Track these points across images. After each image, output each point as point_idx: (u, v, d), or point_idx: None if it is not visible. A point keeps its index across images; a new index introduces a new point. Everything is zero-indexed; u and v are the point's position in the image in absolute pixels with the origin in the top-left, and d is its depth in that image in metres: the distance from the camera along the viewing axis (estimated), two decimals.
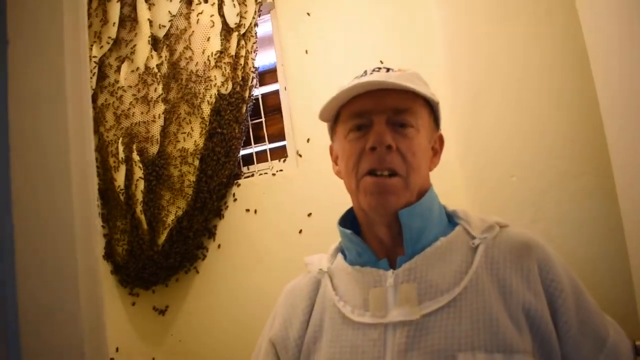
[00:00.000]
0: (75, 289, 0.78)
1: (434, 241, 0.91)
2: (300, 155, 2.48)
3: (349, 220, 1.02)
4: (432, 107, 0.99)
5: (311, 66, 2.46)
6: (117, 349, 2.40)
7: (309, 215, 2.37)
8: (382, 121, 0.91)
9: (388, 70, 0.97)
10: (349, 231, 0.96)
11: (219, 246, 2.54)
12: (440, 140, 1.04)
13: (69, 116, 0.84)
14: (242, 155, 2.62)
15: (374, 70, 0.97)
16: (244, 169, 2.63)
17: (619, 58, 1.20)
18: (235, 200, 2.53)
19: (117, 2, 2.51)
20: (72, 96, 0.84)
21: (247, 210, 2.49)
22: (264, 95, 2.69)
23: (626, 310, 1.34)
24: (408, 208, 0.90)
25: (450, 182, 2.02)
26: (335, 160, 1.03)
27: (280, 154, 2.59)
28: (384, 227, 0.93)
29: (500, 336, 0.79)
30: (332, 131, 1.03)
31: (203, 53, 2.38)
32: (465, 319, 0.82)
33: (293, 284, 1.05)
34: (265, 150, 2.64)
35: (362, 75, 0.97)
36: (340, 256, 1.01)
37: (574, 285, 0.88)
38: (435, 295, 0.85)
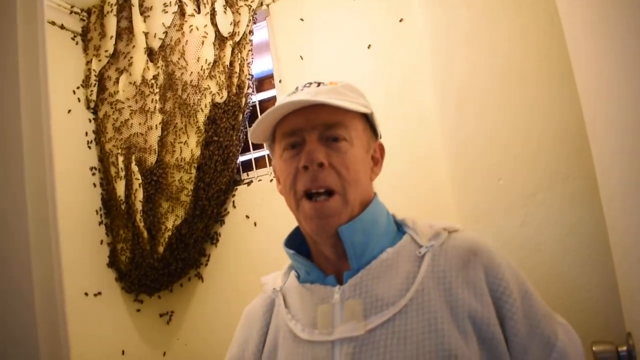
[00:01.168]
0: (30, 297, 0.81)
1: (380, 253, 0.92)
2: None
3: (298, 237, 1.03)
4: (367, 117, 1.00)
5: (306, 72, 2.47)
6: (122, 352, 2.45)
7: None
8: (314, 138, 0.92)
9: (319, 84, 0.97)
10: (292, 252, 0.98)
11: (220, 251, 2.57)
12: (381, 148, 1.05)
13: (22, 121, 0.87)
14: (241, 162, 2.65)
15: (305, 86, 0.98)
16: (244, 175, 2.65)
17: (598, 62, 1.20)
18: (234, 206, 2.56)
19: (114, 15, 2.55)
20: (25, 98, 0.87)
21: (247, 216, 2.52)
22: (263, 101, 2.71)
23: (611, 313, 1.34)
24: (348, 224, 0.91)
25: (439, 187, 2.03)
26: (278, 179, 1.04)
27: None
28: (329, 246, 0.94)
29: (446, 346, 0.80)
30: (271, 150, 1.04)
31: (197, 62, 2.41)
32: (410, 331, 0.82)
33: (250, 306, 1.08)
34: (264, 156, 2.66)
35: (293, 92, 0.99)
36: (293, 274, 1.03)
37: (522, 289, 0.88)
38: (381, 308, 0.85)
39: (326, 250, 0.95)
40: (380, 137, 1.05)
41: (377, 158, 1.03)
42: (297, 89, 0.99)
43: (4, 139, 0.93)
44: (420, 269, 0.88)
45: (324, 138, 0.92)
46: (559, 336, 0.87)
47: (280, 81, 2.55)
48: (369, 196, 0.97)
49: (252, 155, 2.67)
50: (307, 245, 1.02)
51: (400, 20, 2.26)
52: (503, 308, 0.84)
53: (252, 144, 2.66)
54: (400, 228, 0.99)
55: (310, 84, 0.98)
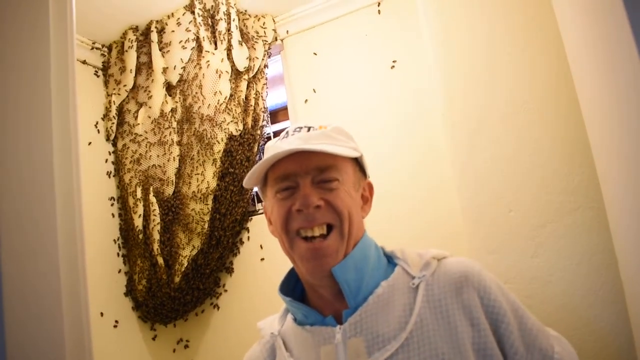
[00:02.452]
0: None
1: (376, 287, 0.93)
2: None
3: (292, 278, 1.05)
4: (357, 159, 1.03)
5: (319, 104, 2.53)
6: None
7: None
8: (307, 182, 0.94)
9: (309, 129, 0.99)
10: (288, 298, 0.98)
11: (236, 281, 2.60)
12: (370, 187, 1.07)
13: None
14: (255, 192, 2.69)
15: (295, 131, 1.00)
16: (258, 205, 2.70)
17: (602, 96, 1.23)
18: (249, 237, 2.60)
19: (134, 51, 2.64)
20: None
21: (261, 246, 2.56)
22: (277, 132, 2.76)
23: (624, 344, 1.34)
24: (340, 264, 0.91)
25: (451, 218, 2.05)
26: (269, 220, 1.05)
27: None
28: (324, 286, 0.95)
29: None
30: (262, 193, 1.05)
31: (214, 96, 2.48)
32: None
33: (249, 353, 1.07)
34: None
35: (284, 137, 1.00)
36: (290, 317, 1.03)
37: (514, 308, 0.91)
38: (383, 344, 0.87)
39: (322, 290, 0.96)
40: (368, 177, 1.08)
41: (366, 197, 1.05)
42: (287, 133, 1.01)
43: (36, 171, 0.97)
44: (416, 300, 0.90)
45: (317, 181, 0.94)
46: (555, 348, 0.91)
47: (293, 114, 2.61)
48: (360, 234, 0.98)
49: None
50: (302, 286, 1.04)
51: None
52: (500, 328, 0.87)
53: None
54: (390, 260, 1.01)
55: (301, 128, 1.00)
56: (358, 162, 1.03)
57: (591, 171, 1.46)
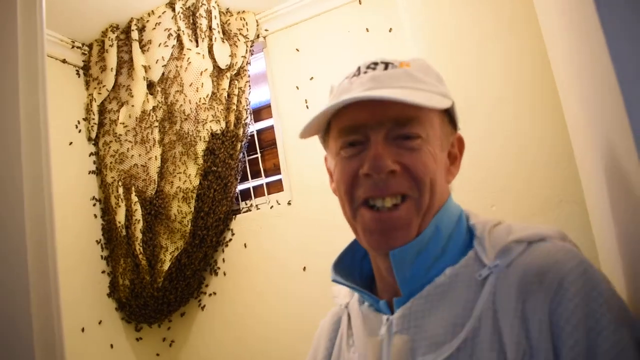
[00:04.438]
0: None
1: (438, 275, 0.75)
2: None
3: (360, 249, 0.88)
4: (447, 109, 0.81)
5: (302, 101, 2.52)
6: None
7: (307, 246, 2.40)
8: (380, 138, 0.75)
9: (387, 66, 0.79)
10: (339, 278, 0.83)
11: (220, 280, 2.59)
12: (460, 142, 0.86)
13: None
14: (240, 190, 2.68)
15: (369, 68, 0.80)
16: (242, 204, 2.68)
17: (581, 99, 1.23)
18: (233, 235, 2.58)
19: (115, 49, 2.61)
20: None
21: (245, 245, 2.54)
22: (263, 130, 2.75)
23: None
24: (402, 247, 0.74)
25: None
26: (331, 175, 0.86)
27: (280, 187, 2.63)
28: (385, 263, 0.79)
29: None
30: (324, 142, 0.87)
31: (196, 94, 2.46)
32: None
33: (323, 320, 0.96)
34: (262, 185, 2.69)
35: (354, 75, 0.81)
36: None
37: (591, 324, 0.63)
38: (430, 348, 0.70)
39: (382, 265, 0.80)
40: (459, 130, 0.86)
41: (454, 154, 0.84)
42: (359, 70, 0.81)
43: (5, 169, 0.95)
44: (480, 298, 0.70)
45: (393, 137, 0.75)
46: None
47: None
48: (443, 202, 0.78)
49: (250, 184, 2.70)
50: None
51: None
52: (563, 349, 0.63)
53: (250, 172, 2.69)
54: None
55: (376, 65, 0.79)
56: (448, 112, 0.82)
57: (573, 166, 1.46)
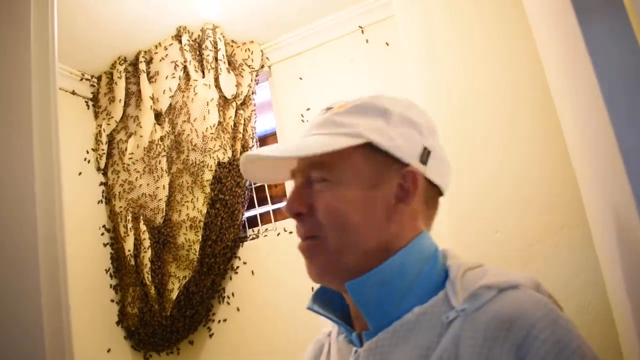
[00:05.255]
0: None
1: (407, 312, 0.74)
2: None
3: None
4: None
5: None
6: None
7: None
8: (299, 182, 0.80)
9: (326, 111, 0.82)
10: (316, 307, 0.84)
11: (228, 307, 2.59)
12: (412, 176, 0.77)
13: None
14: (246, 217, 2.70)
15: (320, 113, 0.85)
16: (249, 231, 2.70)
17: (582, 119, 1.25)
18: (242, 262, 2.60)
19: (123, 81, 2.67)
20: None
21: (252, 272, 2.55)
22: None
23: (613, 358, 1.34)
24: (358, 279, 0.75)
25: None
26: None
27: (286, 213, 2.65)
28: (349, 297, 0.80)
29: None
30: None
31: (203, 123, 2.50)
32: None
33: (308, 347, 0.98)
34: (268, 212, 2.72)
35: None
36: None
37: None
38: None
39: (348, 299, 0.80)
40: (413, 164, 0.78)
41: (407, 189, 0.77)
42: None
43: (19, 201, 0.97)
44: (442, 340, 0.69)
45: (308, 181, 0.79)
46: None
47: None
48: (395, 242, 0.77)
49: (257, 211, 2.73)
50: None
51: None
52: None
53: (256, 199, 2.72)
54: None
55: (326, 110, 0.83)
56: (380, 149, 0.77)
57: (576, 190, 1.47)
